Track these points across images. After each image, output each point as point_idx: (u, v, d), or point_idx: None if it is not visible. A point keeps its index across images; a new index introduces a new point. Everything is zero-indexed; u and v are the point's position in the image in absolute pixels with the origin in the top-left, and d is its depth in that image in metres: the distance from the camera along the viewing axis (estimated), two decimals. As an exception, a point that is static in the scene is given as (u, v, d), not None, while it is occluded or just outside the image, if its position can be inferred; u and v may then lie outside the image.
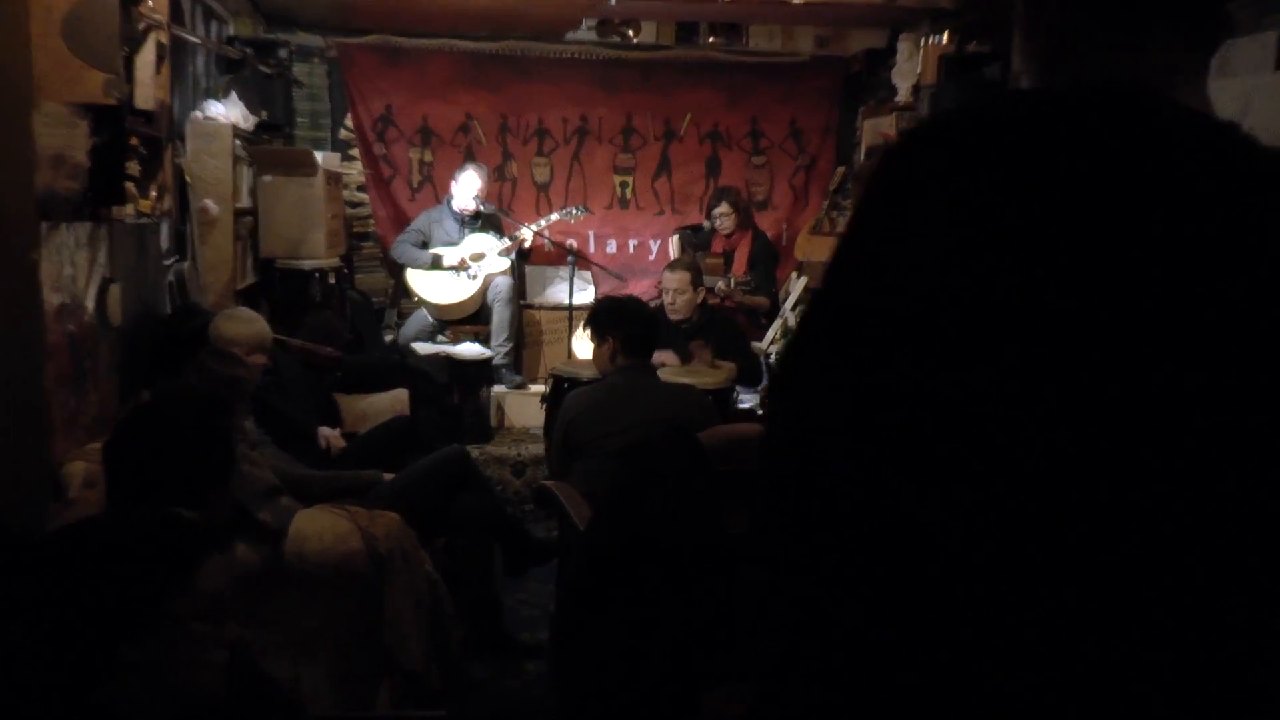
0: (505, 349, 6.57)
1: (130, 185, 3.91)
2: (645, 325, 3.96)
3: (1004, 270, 0.90)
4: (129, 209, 3.92)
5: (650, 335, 3.97)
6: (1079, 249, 0.89)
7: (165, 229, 4.77)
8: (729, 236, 6.91)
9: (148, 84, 4.05)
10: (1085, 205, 0.90)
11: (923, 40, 6.62)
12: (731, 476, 2.30)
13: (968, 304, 0.90)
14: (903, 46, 6.86)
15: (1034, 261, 0.89)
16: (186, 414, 2.40)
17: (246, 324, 4.04)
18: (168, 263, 4.81)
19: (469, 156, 7.42)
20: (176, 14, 4.96)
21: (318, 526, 3.39)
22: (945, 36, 6.39)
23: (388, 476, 4.03)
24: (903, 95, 6.91)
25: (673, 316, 5.58)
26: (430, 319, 6.71)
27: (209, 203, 5.14)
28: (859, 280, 0.98)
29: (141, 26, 4.01)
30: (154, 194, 4.28)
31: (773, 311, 6.32)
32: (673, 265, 5.88)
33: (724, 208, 6.91)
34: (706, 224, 7.11)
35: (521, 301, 6.99)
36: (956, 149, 0.96)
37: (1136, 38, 1.02)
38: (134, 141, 3.94)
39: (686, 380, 4.44)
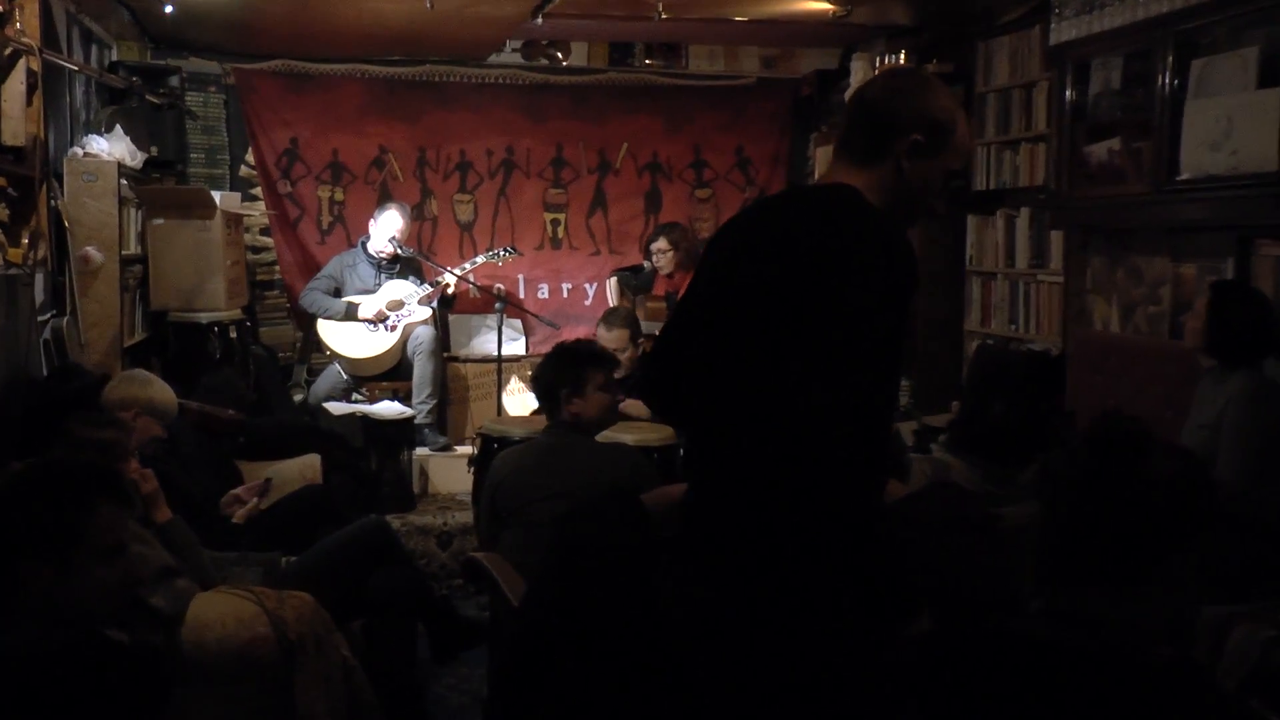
0: (428, 407, 6.51)
1: (-1, 231, 3.84)
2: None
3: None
4: (-3, 258, 3.86)
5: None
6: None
7: (40, 280, 4.69)
8: (670, 277, 6.93)
9: (17, 116, 4.00)
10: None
11: (878, 60, 6.73)
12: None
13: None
14: (856, 66, 6.96)
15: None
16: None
17: (136, 385, 3.99)
18: (43, 318, 4.72)
19: (384, 194, 7.40)
20: (50, 37, 4.91)
21: (219, 611, 3.32)
22: (902, 56, 6.50)
23: (285, 560, 3.98)
24: (858, 119, 6.99)
25: (610, 375, 5.52)
26: (344, 375, 6.65)
27: (91, 250, 5.07)
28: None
29: (8, 51, 3.97)
30: (26, 241, 4.22)
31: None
32: (609, 321, 5.78)
33: (661, 243, 6.93)
34: (647, 264, 7.13)
35: (445, 354, 6.95)
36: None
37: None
38: (1, 182, 3.88)
39: (631, 436, 4.42)
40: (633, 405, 4.96)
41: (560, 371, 3.85)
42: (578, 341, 4.44)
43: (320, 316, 6.62)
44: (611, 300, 7.27)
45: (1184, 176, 4.42)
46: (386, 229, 6.65)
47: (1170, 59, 4.46)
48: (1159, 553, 1.62)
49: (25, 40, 4.11)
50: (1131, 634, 1.60)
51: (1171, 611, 1.69)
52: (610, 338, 5.52)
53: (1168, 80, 4.48)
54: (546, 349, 4.41)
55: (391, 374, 6.68)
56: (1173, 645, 1.68)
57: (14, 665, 2.16)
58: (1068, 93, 5.20)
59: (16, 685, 2.14)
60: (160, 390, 4.06)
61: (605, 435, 4.16)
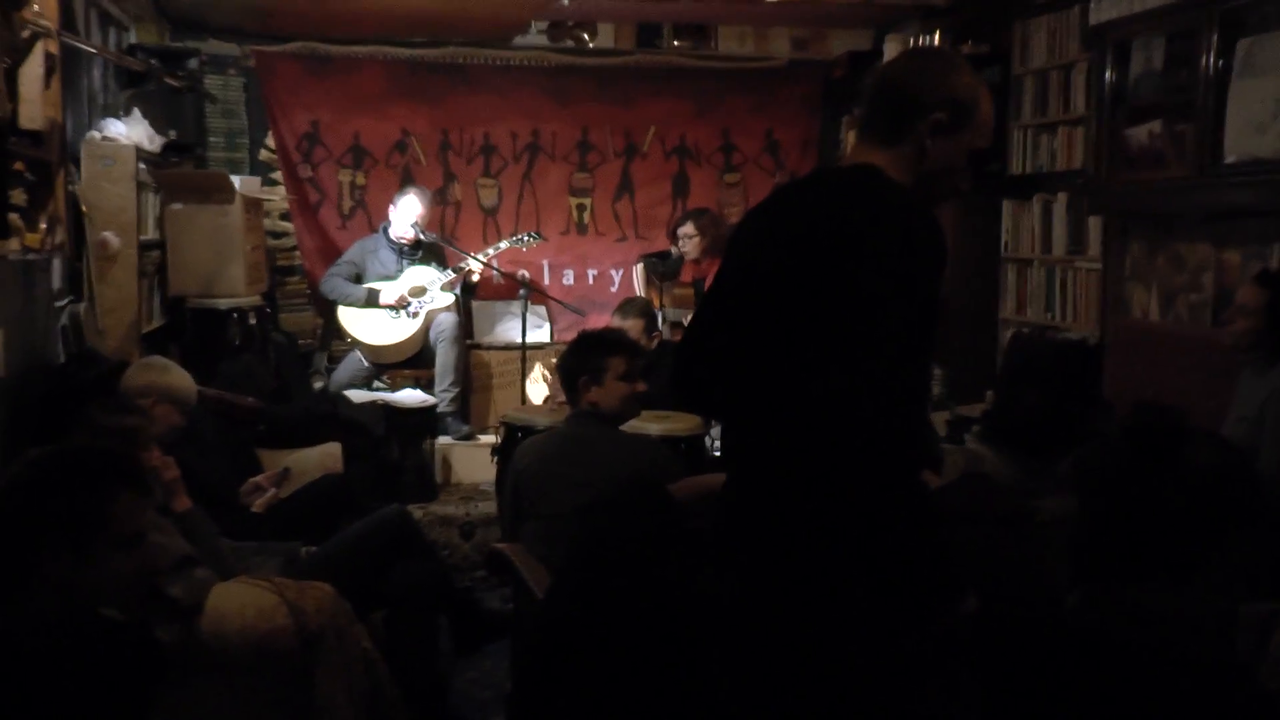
0: (450, 395, 6.51)
1: (15, 216, 3.85)
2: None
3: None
4: (14, 243, 3.86)
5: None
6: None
7: (57, 265, 4.70)
8: (698, 263, 6.91)
9: (35, 100, 3.99)
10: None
11: (911, 41, 6.68)
12: (707, 533, 2.27)
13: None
14: (889, 48, 6.91)
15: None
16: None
17: (154, 372, 4.00)
18: (60, 304, 4.73)
19: (406, 178, 7.40)
20: (68, 20, 4.92)
21: (238, 601, 3.32)
22: (936, 36, 6.45)
23: (305, 550, 3.98)
24: (890, 102, 6.95)
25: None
26: (365, 362, 6.65)
27: (108, 235, 5.07)
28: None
29: (26, 34, 3.96)
30: (43, 226, 4.22)
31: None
32: (623, 310, 5.77)
33: (688, 228, 6.92)
34: (674, 250, 7.11)
35: (468, 341, 6.94)
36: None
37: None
38: (19, 166, 3.88)
39: (659, 425, 4.40)
40: None
41: (580, 359, 3.84)
42: (603, 330, 4.43)
43: (341, 303, 6.62)
44: (638, 286, 7.25)
45: (1229, 160, 4.36)
46: (407, 214, 6.65)
47: (1215, 38, 4.40)
48: (1198, 546, 1.59)
49: (43, 23, 4.11)
50: (1171, 630, 1.57)
51: (1211, 607, 1.66)
52: (625, 327, 5.51)
53: (1212, 60, 4.41)
54: (571, 336, 4.39)
55: (413, 361, 6.68)
56: (1214, 643, 1.65)
57: (6, 642, 2.17)
58: (1107, 74, 5.14)
59: (6, 661, 2.14)
60: (179, 377, 4.06)
61: (632, 425, 4.14)
